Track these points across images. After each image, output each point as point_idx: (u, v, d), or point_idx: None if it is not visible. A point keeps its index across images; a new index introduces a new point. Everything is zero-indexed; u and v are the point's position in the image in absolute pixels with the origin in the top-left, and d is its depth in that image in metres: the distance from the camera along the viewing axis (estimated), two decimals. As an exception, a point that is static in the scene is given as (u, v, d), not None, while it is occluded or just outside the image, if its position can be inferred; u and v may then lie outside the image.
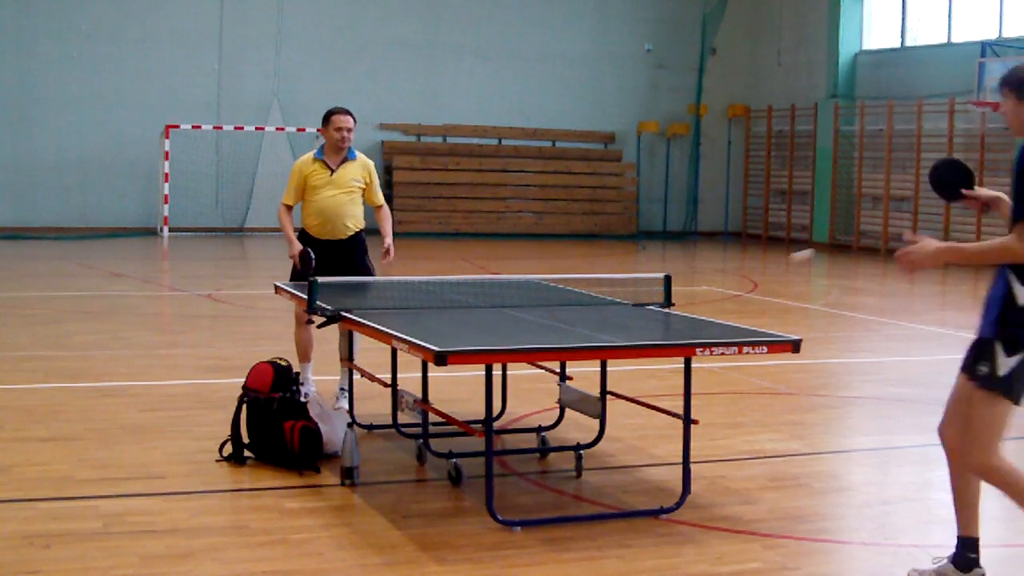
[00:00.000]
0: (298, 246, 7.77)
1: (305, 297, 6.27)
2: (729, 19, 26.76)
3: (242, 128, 23.53)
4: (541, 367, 7.12)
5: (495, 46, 25.56)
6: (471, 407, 7.13)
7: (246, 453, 6.23)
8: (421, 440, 6.31)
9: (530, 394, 8.01)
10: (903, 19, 23.50)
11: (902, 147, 22.60)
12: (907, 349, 11.15)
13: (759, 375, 9.10)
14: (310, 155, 7.93)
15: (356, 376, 7.15)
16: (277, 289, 7.07)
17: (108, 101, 23.09)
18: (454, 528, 5.29)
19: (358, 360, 7.16)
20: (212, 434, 6.61)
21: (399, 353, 6.37)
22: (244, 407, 6.27)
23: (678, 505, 5.54)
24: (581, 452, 6.28)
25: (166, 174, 22.89)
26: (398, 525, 5.30)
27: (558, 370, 6.87)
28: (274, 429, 6.15)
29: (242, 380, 6.43)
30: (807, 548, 5.08)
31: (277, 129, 24.01)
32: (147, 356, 9.63)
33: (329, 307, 6.15)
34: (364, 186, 7.97)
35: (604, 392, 6.32)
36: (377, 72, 24.77)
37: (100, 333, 10.77)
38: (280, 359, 6.47)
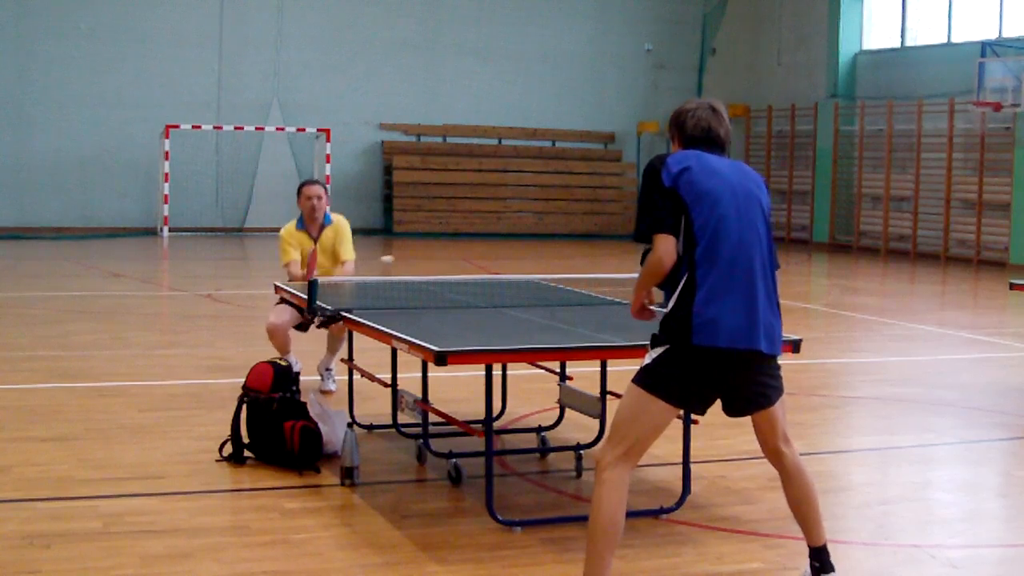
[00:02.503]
0: (297, 272, 8.13)
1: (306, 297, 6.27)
2: (729, 19, 26.77)
3: (242, 128, 23.54)
4: (541, 367, 7.11)
5: (495, 46, 25.57)
6: (471, 407, 7.13)
7: (246, 453, 6.23)
8: (421, 440, 6.31)
9: (530, 394, 8.01)
10: (903, 19, 23.50)
11: (902, 147, 22.61)
12: (907, 349, 11.15)
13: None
14: (292, 225, 8.39)
15: (356, 376, 7.15)
16: (277, 289, 7.07)
17: (108, 101, 23.10)
18: (454, 528, 5.29)
19: (358, 360, 7.16)
20: (212, 434, 6.61)
21: (399, 353, 6.37)
22: (244, 407, 6.27)
23: (678, 505, 5.54)
24: (581, 452, 6.28)
25: (166, 174, 22.90)
26: (398, 525, 5.29)
27: (558, 370, 6.87)
28: (274, 429, 6.15)
29: (242, 380, 6.42)
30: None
31: (277, 129, 24.02)
32: (147, 356, 9.63)
33: (329, 307, 6.15)
34: (335, 245, 8.34)
35: (604, 392, 6.32)
36: (377, 72, 24.77)
37: (100, 333, 10.77)
38: (280, 359, 6.47)
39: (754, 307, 4.17)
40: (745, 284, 4.17)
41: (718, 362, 4.15)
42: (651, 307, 4.45)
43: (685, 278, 4.17)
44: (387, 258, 6.67)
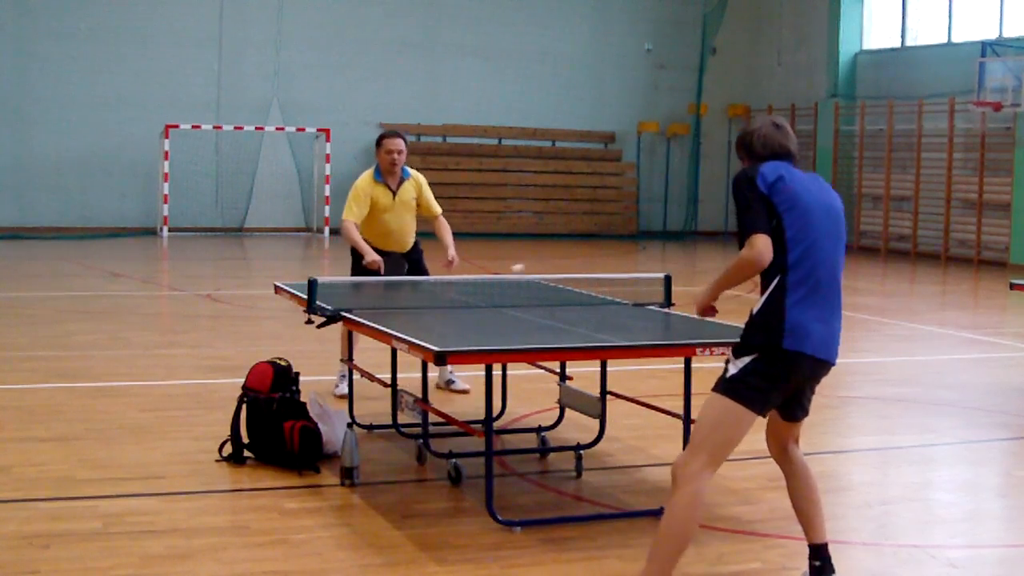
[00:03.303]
0: (376, 255, 7.89)
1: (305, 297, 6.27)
2: (729, 19, 26.76)
3: (242, 128, 23.53)
4: (541, 367, 7.11)
5: (495, 46, 25.56)
6: (471, 407, 7.13)
7: (246, 453, 6.23)
8: (421, 440, 6.31)
9: (530, 394, 8.01)
10: (903, 19, 23.50)
11: (902, 147, 22.60)
12: (907, 349, 11.15)
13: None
14: (369, 175, 8.16)
15: (356, 376, 7.15)
16: (277, 289, 7.07)
17: (108, 101, 23.09)
18: (454, 528, 5.29)
19: (358, 360, 7.16)
20: (212, 434, 6.61)
21: (399, 353, 6.37)
22: (244, 407, 6.26)
23: (678, 505, 5.53)
24: (581, 452, 6.28)
25: (166, 174, 22.90)
26: (398, 525, 5.29)
27: (558, 370, 6.86)
28: (274, 429, 6.15)
29: (242, 380, 6.42)
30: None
31: (277, 129, 24.01)
32: (147, 356, 9.63)
33: (329, 307, 6.15)
34: (418, 201, 8.22)
35: (604, 392, 6.32)
36: (377, 72, 24.77)
37: (100, 333, 10.76)
38: (280, 359, 6.46)
39: (836, 321, 4.39)
40: (830, 297, 4.37)
41: (803, 368, 4.29)
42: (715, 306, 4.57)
43: (776, 282, 4.27)
44: (518, 266, 6.60)
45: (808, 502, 4.55)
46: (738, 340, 4.34)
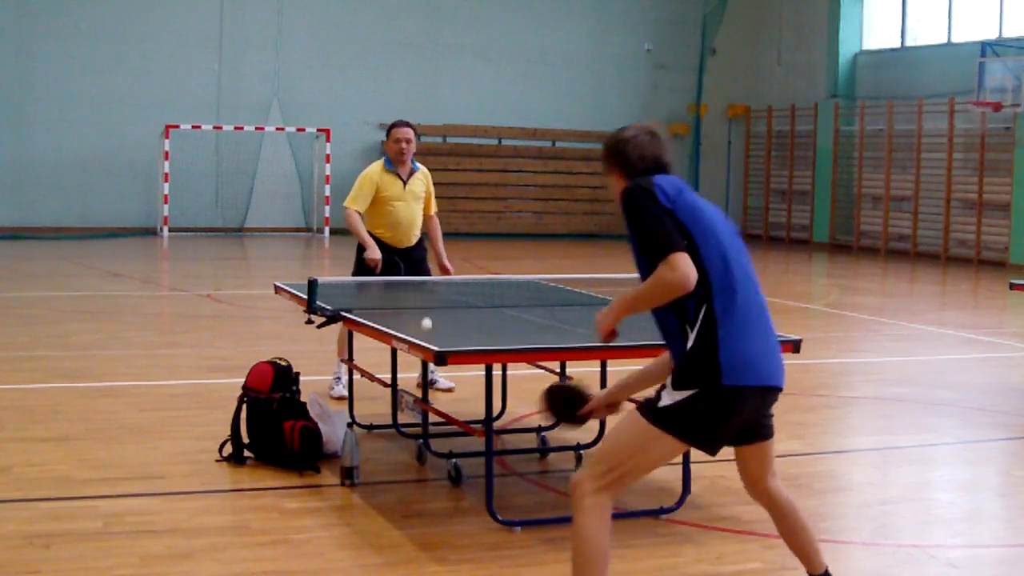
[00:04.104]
0: (378, 252, 7.88)
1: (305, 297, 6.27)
2: (729, 19, 26.76)
3: (242, 128, 23.53)
4: (541, 367, 7.11)
5: (495, 46, 25.56)
6: (471, 407, 7.13)
7: (246, 453, 6.23)
8: (421, 440, 6.31)
9: (530, 394, 7.99)
10: (903, 19, 23.50)
11: (902, 147, 22.60)
12: (907, 349, 11.15)
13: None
14: (379, 165, 8.10)
15: (356, 376, 7.15)
16: (277, 289, 7.07)
17: (108, 101, 23.09)
18: (454, 528, 5.29)
19: (358, 360, 7.16)
20: (212, 434, 6.61)
21: (399, 353, 6.36)
22: (244, 407, 6.26)
23: (678, 505, 5.54)
24: (581, 452, 6.28)
25: (166, 174, 22.89)
26: (398, 525, 5.29)
27: (558, 370, 6.86)
28: (274, 429, 6.15)
29: (242, 380, 6.42)
30: None
31: (277, 129, 24.01)
32: (147, 356, 9.63)
33: (329, 307, 6.15)
34: (426, 196, 8.19)
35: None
36: (377, 72, 24.76)
37: (100, 333, 10.76)
38: (280, 359, 6.46)
39: (771, 340, 3.99)
40: (760, 317, 3.96)
41: (748, 401, 3.91)
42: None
43: (703, 313, 3.86)
44: (427, 322, 6.56)
45: (800, 534, 4.21)
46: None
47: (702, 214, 3.93)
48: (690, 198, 3.95)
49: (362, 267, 7.93)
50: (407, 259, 8.09)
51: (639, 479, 4.02)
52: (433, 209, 8.30)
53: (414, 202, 8.08)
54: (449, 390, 8.13)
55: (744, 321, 3.88)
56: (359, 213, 8.01)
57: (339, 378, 8.04)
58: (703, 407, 3.85)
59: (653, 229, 3.84)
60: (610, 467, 3.90)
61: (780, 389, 4.00)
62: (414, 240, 8.15)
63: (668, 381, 3.95)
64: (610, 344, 4.24)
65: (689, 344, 3.90)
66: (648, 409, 3.93)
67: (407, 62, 24.93)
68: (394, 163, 8.05)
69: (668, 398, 3.90)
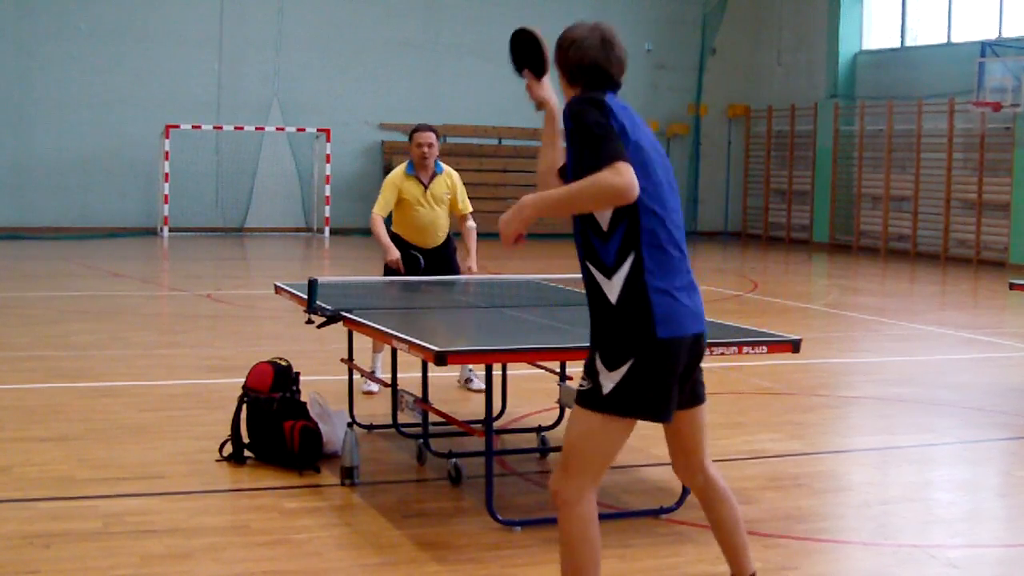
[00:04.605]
0: (396, 252, 8.03)
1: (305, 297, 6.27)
2: (729, 19, 26.76)
3: (242, 128, 23.53)
4: (541, 367, 7.12)
5: (495, 46, 25.50)
6: (471, 407, 7.13)
7: (246, 453, 6.23)
8: (421, 440, 6.31)
9: (530, 394, 8.01)
10: (903, 19, 23.50)
11: (902, 147, 22.60)
12: (907, 349, 11.15)
13: (759, 375, 9.11)
14: (402, 170, 8.19)
15: (356, 376, 7.15)
16: (277, 289, 7.07)
17: (108, 101, 23.09)
18: (454, 528, 5.29)
19: (358, 360, 7.17)
20: (212, 434, 6.61)
21: (399, 353, 6.37)
22: (244, 407, 6.26)
23: (678, 505, 5.55)
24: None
25: (166, 174, 22.90)
26: (398, 525, 5.29)
27: (558, 370, 6.87)
28: (274, 429, 6.15)
29: (242, 380, 6.42)
30: (807, 548, 5.08)
31: (277, 129, 24.01)
32: (147, 356, 9.63)
33: (329, 307, 6.15)
34: (451, 197, 8.27)
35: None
36: (377, 72, 24.76)
37: (100, 333, 10.76)
38: (280, 359, 6.46)
39: (695, 285, 3.75)
40: (685, 260, 3.71)
41: (685, 351, 3.67)
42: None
43: (631, 261, 3.60)
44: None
45: (732, 536, 3.95)
46: (615, 345, 3.64)
47: (643, 149, 3.65)
48: (635, 130, 3.66)
49: (388, 268, 8.11)
50: (434, 258, 8.22)
51: (609, 466, 3.80)
52: (467, 209, 8.35)
53: (436, 205, 8.19)
54: (481, 391, 8.13)
55: (670, 264, 3.64)
56: (382, 217, 8.14)
57: (373, 372, 8.09)
58: (646, 374, 3.61)
59: (600, 135, 3.55)
60: (580, 468, 3.71)
61: (705, 335, 3.78)
62: (439, 241, 8.29)
63: (598, 359, 3.67)
64: (512, 247, 3.86)
65: (614, 297, 3.64)
66: (593, 400, 3.68)
67: (407, 62, 24.93)
68: (416, 167, 8.15)
69: (609, 381, 3.65)
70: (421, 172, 8.15)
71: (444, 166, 8.27)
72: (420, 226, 8.18)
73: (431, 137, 8.09)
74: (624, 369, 3.61)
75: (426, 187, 8.15)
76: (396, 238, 8.24)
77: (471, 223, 8.36)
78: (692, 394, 3.83)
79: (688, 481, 3.99)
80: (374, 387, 8.04)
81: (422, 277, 7.89)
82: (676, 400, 3.74)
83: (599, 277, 3.66)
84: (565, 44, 3.91)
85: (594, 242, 3.66)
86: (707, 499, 3.96)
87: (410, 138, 8.19)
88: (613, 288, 3.63)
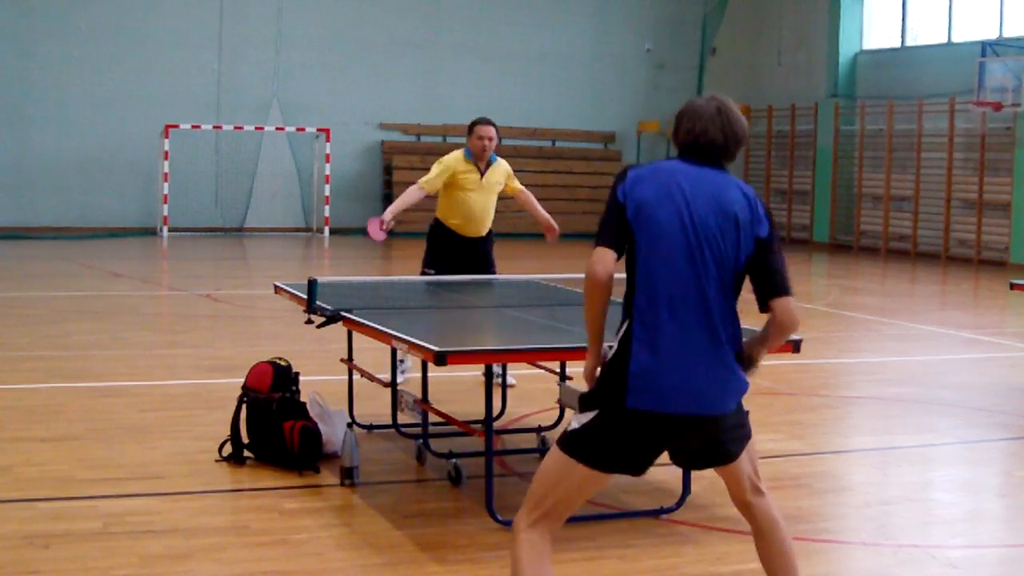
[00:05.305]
0: (388, 215, 8.11)
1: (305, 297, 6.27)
2: (729, 19, 26.76)
3: (242, 128, 23.53)
4: (541, 367, 7.11)
5: (495, 46, 25.56)
6: (471, 407, 7.12)
7: (246, 453, 6.23)
8: (421, 440, 6.31)
9: (530, 394, 8.01)
10: (903, 19, 23.50)
11: (902, 147, 22.60)
12: (907, 349, 11.15)
13: (759, 375, 9.07)
14: (460, 154, 8.33)
15: (356, 376, 7.15)
16: (277, 289, 7.07)
17: (108, 101, 23.09)
18: (454, 528, 5.29)
19: (358, 360, 7.16)
20: (212, 434, 6.60)
21: (399, 353, 6.36)
22: (244, 407, 6.26)
23: (678, 505, 5.54)
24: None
25: (166, 174, 22.89)
26: (398, 525, 5.29)
27: (558, 370, 6.86)
28: (274, 429, 6.15)
29: (242, 380, 6.42)
30: (807, 548, 5.07)
31: (277, 129, 24.01)
32: (147, 356, 9.63)
33: (329, 307, 6.14)
34: (503, 187, 8.53)
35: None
36: (377, 72, 24.76)
37: (100, 333, 10.76)
38: (280, 359, 6.46)
39: (701, 362, 3.59)
40: (691, 334, 3.59)
41: (657, 428, 3.60)
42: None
43: (624, 326, 3.64)
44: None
45: (778, 560, 3.84)
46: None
47: (651, 213, 3.61)
48: (653, 194, 3.62)
49: (433, 255, 8.34)
50: (475, 250, 8.36)
51: (572, 511, 3.74)
52: (518, 186, 8.62)
53: (490, 193, 8.38)
54: (511, 386, 8.21)
55: (667, 339, 3.56)
56: (424, 191, 8.19)
57: (403, 361, 8.14)
58: (606, 429, 3.59)
59: (602, 217, 3.70)
60: (537, 501, 3.68)
61: (714, 417, 3.64)
62: (484, 231, 8.44)
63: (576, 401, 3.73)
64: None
65: (606, 356, 3.70)
66: (562, 437, 3.71)
67: (407, 62, 24.93)
68: (475, 157, 8.30)
69: (576, 422, 3.67)
70: (480, 162, 8.34)
71: (498, 157, 8.49)
72: (470, 212, 8.31)
73: (492, 131, 8.30)
74: (589, 416, 3.63)
75: (483, 174, 8.32)
76: (439, 227, 8.39)
77: (526, 190, 8.69)
78: (715, 456, 3.77)
79: (736, 507, 3.97)
80: (511, 379, 8.20)
81: (436, 277, 7.93)
82: (644, 463, 3.71)
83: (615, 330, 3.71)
84: (679, 114, 3.83)
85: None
86: (752, 529, 3.92)
87: (470, 130, 8.36)
88: (610, 349, 3.68)
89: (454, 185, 8.24)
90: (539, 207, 8.62)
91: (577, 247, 23.10)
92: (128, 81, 23.19)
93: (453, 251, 8.34)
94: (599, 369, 3.71)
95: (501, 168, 8.48)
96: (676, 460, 3.87)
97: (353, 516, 5.47)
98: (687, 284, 3.60)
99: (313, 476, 6.02)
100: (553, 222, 8.53)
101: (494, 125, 8.38)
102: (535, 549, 3.65)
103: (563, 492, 3.66)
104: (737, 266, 3.69)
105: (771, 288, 3.76)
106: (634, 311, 3.61)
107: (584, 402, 3.67)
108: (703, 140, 3.72)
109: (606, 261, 3.59)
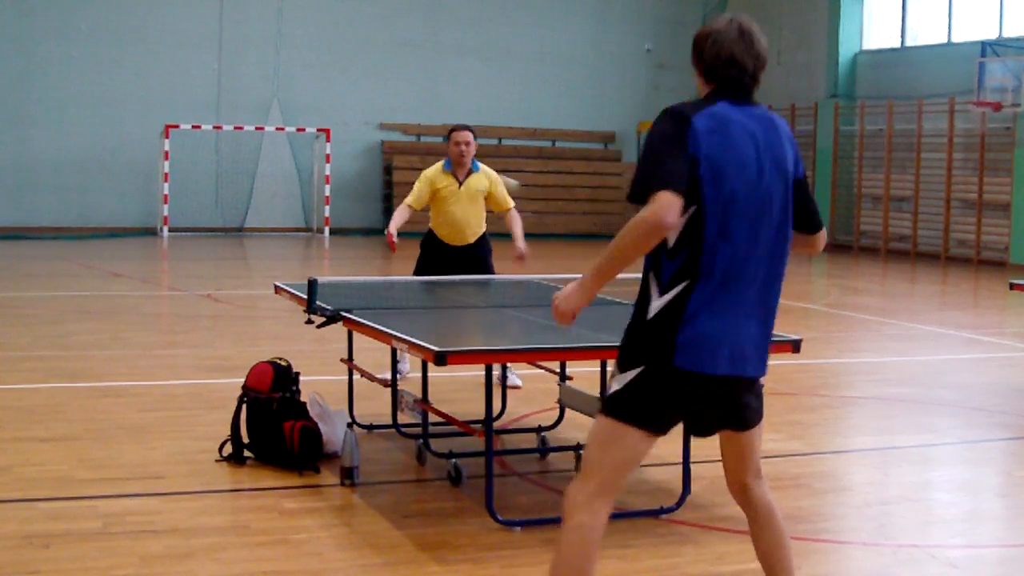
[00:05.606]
0: (392, 228, 8.31)
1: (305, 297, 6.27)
2: (729, 19, 26.75)
3: (242, 128, 23.54)
4: (541, 367, 7.11)
5: (495, 46, 25.56)
6: (471, 407, 7.12)
7: (246, 453, 6.23)
8: (421, 440, 6.31)
9: (530, 394, 8.01)
10: (903, 19, 23.50)
11: (902, 147, 22.60)
12: (907, 349, 11.15)
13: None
14: (439, 166, 8.45)
15: (356, 376, 7.15)
16: (277, 289, 7.07)
17: (108, 101, 23.10)
18: (454, 528, 5.29)
19: (358, 360, 7.16)
20: (212, 434, 6.60)
21: (399, 353, 6.36)
22: (244, 407, 6.26)
23: (678, 505, 5.54)
24: (581, 452, 6.27)
25: (166, 174, 22.90)
26: (398, 525, 5.29)
27: (558, 370, 6.86)
28: (274, 429, 6.15)
29: (242, 380, 6.42)
30: (807, 548, 5.07)
31: (277, 129, 24.02)
32: (147, 356, 9.63)
33: (329, 307, 6.14)
34: (487, 195, 8.49)
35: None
36: (377, 72, 24.77)
37: (100, 333, 10.76)
38: (280, 359, 6.46)
39: (751, 326, 3.54)
40: (745, 297, 3.51)
41: (704, 389, 3.52)
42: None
43: (683, 286, 3.45)
44: (513, 182, 7.06)
45: (775, 552, 3.77)
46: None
47: (726, 174, 3.44)
48: (720, 151, 3.45)
49: (422, 264, 8.48)
50: (468, 259, 8.42)
51: (625, 476, 3.64)
52: (508, 204, 8.51)
53: (470, 203, 8.40)
54: (516, 387, 8.25)
55: (726, 302, 3.47)
56: (410, 207, 8.39)
57: (402, 360, 8.21)
58: (649, 387, 3.49)
59: (655, 153, 3.41)
60: (591, 471, 3.58)
61: (755, 379, 3.61)
62: (471, 239, 8.49)
63: (615, 362, 3.60)
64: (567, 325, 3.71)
65: (651, 313, 3.50)
66: (603, 402, 3.62)
67: (407, 62, 24.94)
68: (453, 164, 8.38)
69: (616, 383, 3.56)
70: (458, 169, 8.38)
71: (481, 165, 8.47)
72: (452, 221, 8.40)
73: (468, 136, 8.34)
74: (632, 374, 3.52)
75: (461, 183, 8.35)
76: (431, 237, 8.53)
77: (514, 212, 8.53)
78: (730, 421, 3.68)
79: (732, 493, 3.86)
80: (518, 381, 8.29)
81: (437, 277, 7.95)
82: (676, 422, 3.63)
83: (652, 290, 3.52)
84: (702, 38, 3.72)
85: (661, 256, 3.50)
86: (748, 516, 3.84)
87: (448, 137, 8.45)
88: (656, 306, 3.49)
89: (436, 197, 8.36)
90: (520, 232, 8.43)
91: (577, 247, 23.15)
92: (128, 81, 23.20)
93: (443, 260, 8.39)
94: (639, 321, 3.52)
95: (483, 175, 8.44)
96: (692, 425, 3.74)
97: (353, 516, 5.46)
98: (751, 249, 3.49)
99: (313, 476, 6.02)
100: (526, 252, 8.31)
101: (471, 131, 8.42)
102: (591, 538, 3.54)
103: (615, 458, 3.55)
104: (789, 221, 3.63)
105: (812, 224, 3.77)
106: (700, 266, 3.43)
107: (624, 358, 3.54)
108: (733, 70, 3.62)
109: (675, 210, 3.32)
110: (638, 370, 3.51)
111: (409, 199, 8.41)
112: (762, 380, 3.69)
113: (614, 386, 3.57)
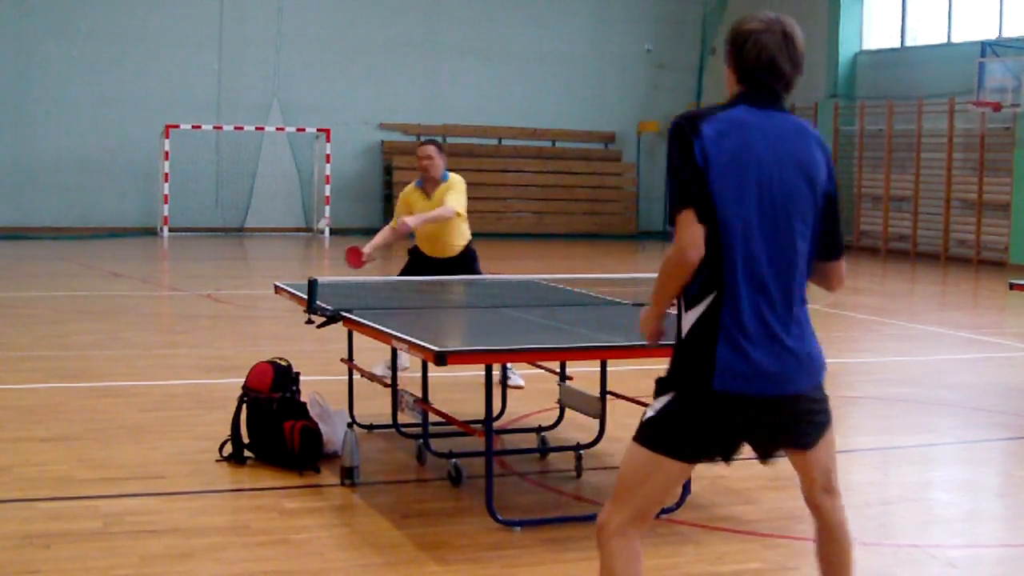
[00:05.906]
0: (369, 245, 8.37)
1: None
2: (729, 19, 26.69)
3: (242, 128, 23.53)
4: (541, 367, 7.11)
5: (495, 46, 25.56)
6: (471, 407, 7.12)
7: (246, 453, 6.23)
8: (421, 440, 6.31)
9: (530, 394, 8.01)
10: (903, 19, 23.50)
11: (902, 147, 22.60)
12: (907, 349, 11.15)
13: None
14: (413, 183, 8.63)
15: (356, 376, 7.15)
16: (277, 289, 7.07)
17: (108, 101, 23.10)
18: (454, 528, 5.29)
19: (358, 360, 7.16)
20: (212, 434, 6.60)
21: (399, 353, 6.36)
22: (244, 407, 6.26)
23: (678, 505, 5.54)
24: (581, 452, 6.28)
25: (166, 174, 22.89)
26: (398, 525, 5.29)
27: (558, 370, 6.86)
28: (274, 429, 6.15)
29: (242, 380, 6.42)
30: (807, 548, 5.07)
31: (277, 129, 24.02)
32: (147, 356, 9.63)
33: (329, 307, 6.15)
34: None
35: (604, 392, 6.31)
36: (377, 72, 24.77)
37: (100, 333, 10.76)
38: (280, 359, 6.46)
39: (791, 338, 3.36)
40: (781, 308, 3.36)
41: (742, 410, 3.35)
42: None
43: (711, 299, 3.31)
44: (323, 222, 7.16)
45: (837, 568, 3.66)
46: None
47: (736, 181, 3.30)
48: (727, 157, 3.31)
49: (405, 272, 8.54)
50: (445, 268, 8.43)
51: (661, 505, 3.53)
52: (449, 202, 8.20)
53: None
54: (519, 387, 8.26)
55: (757, 314, 3.32)
56: (391, 227, 8.41)
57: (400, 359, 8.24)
58: (684, 414, 3.35)
59: (673, 177, 3.33)
60: (624, 499, 3.43)
61: (799, 396, 3.42)
62: (452, 252, 8.52)
63: (655, 386, 3.47)
64: (657, 344, 3.66)
65: (684, 330, 3.38)
66: (638, 429, 3.45)
67: (407, 62, 24.94)
68: (423, 180, 8.49)
69: (651, 409, 3.43)
70: (427, 184, 8.45)
71: (451, 175, 8.49)
72: (428, 234, 8.46)
73: (428, 150, 8.41)
74: (665, 399, 3.38)
75: (429, 197, 8.40)
76: (413, 251, 8.66)
77: (445, 210, 8.17)
78: (791, 439, 3.52)
79: (807, 504, 3.73)
80: (520, 381, 8.32)
81: (437, 277, 7.97)
82: (730, 449, 3.47)
83: (681, 304, 3.42)
84: (741, 38, 3.55)
85: None
86: (816, 527, 3.72)
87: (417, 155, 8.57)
88: (687, 321, 3.38)
89: (411, 213, 8.35)
90: (428, 215, 8.13)
91: (577, 247, 23.16)
92: (128, 81, 23.20)
93: (425, 273, 8.31)
94: (677, 342, 3.41)
95: (449, 184, 8.38)
96: (752, 444, 3.54)
97: (353, 516, 5.47)
98: (774, 261, 3.34)
99: (313, 476, 6.03)
100: (410, 223, 8.09)
101: (436, 144, 8.51)
102: (629, 560, 3.42)
103: (650, 489, 3.41)
104: (816, 233, 3.44)
105: (834, 249, 3.54)
106: (725, 278, 3.29)
107: (662, 384, 3.40)
108: (771, 75, 3.52)
109: (699, 243, 3.25)
110: (670, 397, 3.37)
111: (393, 222, 8.45)
112: (815, 394, 3.48)
113: (648, 413, 3.42)
